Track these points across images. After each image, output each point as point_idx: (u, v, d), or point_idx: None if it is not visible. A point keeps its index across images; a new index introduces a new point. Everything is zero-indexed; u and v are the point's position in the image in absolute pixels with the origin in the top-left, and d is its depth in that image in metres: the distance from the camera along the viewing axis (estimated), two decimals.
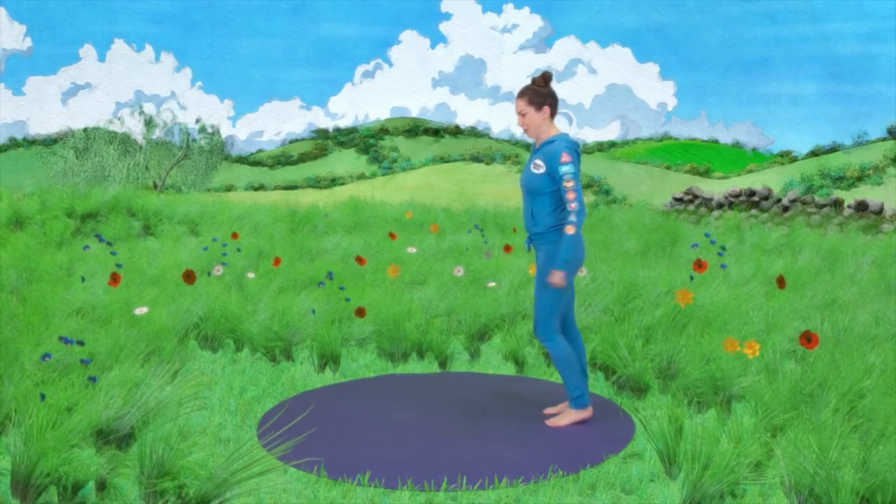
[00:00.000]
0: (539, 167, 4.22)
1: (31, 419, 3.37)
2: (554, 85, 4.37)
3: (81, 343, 4.01)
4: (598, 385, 5.15)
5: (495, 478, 3.57)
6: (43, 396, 3.56)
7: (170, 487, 3.20)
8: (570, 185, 4.13)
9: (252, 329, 5.79)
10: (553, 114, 4.28)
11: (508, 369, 5.57)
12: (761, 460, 3.63)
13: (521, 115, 4.28)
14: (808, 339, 4.39)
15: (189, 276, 6.02)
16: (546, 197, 4.23)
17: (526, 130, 4.30)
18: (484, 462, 3.78)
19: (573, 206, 4.13)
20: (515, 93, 4.35)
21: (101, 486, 3.39)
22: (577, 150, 4.21)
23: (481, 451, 3.94)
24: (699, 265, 5.82)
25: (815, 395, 4.17)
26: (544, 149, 4.24)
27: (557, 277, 4.15)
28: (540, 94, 4.26)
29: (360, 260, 7.17)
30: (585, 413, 4.37)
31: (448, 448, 3.98)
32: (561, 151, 4.16)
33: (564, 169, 4.14)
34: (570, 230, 4.12)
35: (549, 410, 4.53)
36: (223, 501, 3.23)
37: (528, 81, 4.33)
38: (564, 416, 4.37)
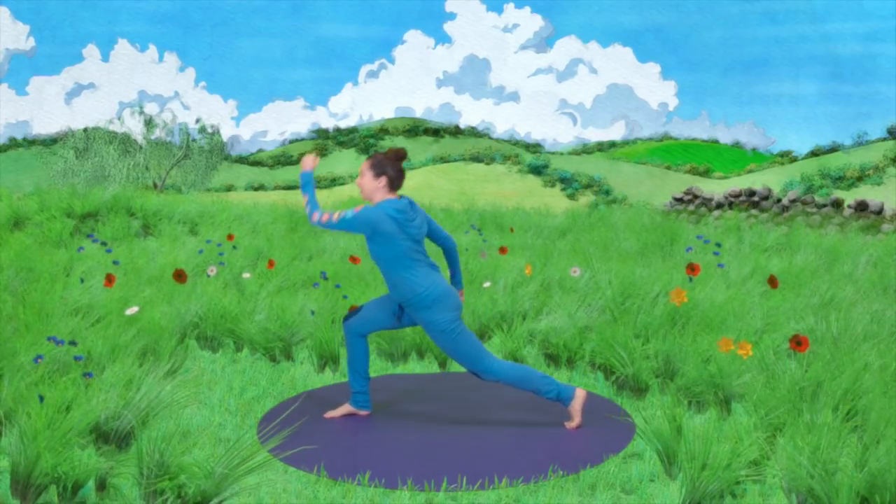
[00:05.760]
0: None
1: (30, 419, 3.37)
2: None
3: (74, 343, 4.02)
4: (598, 385, 5.15)
5: (495, 478, 3.57)
6: (41, 398, 3.56)
7: (169, 487, 3.21)
8: (338, 214, 4.19)
9: (251, 329, 5.80)
10: (392, 187, 4.28)
11: None
12: (761, 460, 3.64)
13: (360, 175, 4.34)
14: (797, 342, 4.37)
15: (180, 276, 5.97)
16: (397, 261, 4.20)
17: (360, 192, 4.35)
18: (484, 462, 3.78)
19: (325, 217, 4.20)
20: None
21: (101, 485, 3.39)
22: (395, 214, 4.16)
23: (481, 451, 3.94)
24: (692, 268, 5.83)
25: (813, 395, 4.17)
26: None
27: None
28: (383, 164, 4.28)
29: (353, 259, 7.19)
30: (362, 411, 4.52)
31: (448, 448, 3.98)
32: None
33: (348, 212, 4.19)
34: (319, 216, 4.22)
35: (570, 425, 4.32)
36: (223, 501, 3.23)
37: (378, 151, 4.45)
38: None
